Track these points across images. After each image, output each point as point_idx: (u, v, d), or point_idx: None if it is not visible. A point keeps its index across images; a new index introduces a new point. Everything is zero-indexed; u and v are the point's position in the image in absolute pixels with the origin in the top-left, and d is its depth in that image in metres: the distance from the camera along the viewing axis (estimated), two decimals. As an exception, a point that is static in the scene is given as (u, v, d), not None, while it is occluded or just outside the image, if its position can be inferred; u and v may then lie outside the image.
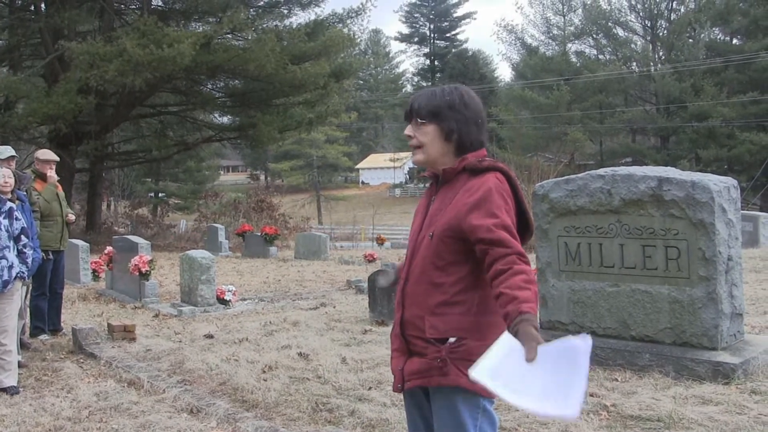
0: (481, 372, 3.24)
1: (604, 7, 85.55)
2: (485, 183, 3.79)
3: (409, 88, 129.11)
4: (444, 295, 3.83)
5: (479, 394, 3.79)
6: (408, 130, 4.07)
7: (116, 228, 43.89)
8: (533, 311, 3.41)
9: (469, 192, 3.81)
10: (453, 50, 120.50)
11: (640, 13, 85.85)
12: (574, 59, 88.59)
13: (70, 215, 12.68)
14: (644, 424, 6.49)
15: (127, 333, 11.43)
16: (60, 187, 12.63)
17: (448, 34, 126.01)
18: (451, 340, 3.78)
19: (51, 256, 12.06)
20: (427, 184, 4.24)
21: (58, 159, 12.70)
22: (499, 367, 3.25)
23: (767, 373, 7.85)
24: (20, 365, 9.63)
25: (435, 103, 3.98)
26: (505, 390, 3.19)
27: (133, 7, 39.35)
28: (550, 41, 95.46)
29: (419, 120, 4.00)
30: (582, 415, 6.75)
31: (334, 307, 14.51)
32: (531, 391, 3.18)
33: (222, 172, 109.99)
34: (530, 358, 3.23)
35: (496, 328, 3.71)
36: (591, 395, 7.39)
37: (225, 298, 15.08)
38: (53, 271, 12.28)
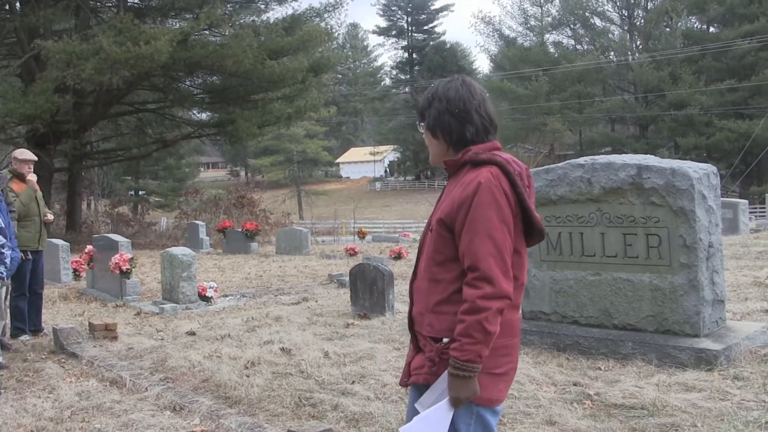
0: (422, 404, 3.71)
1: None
2: (477, 177, 3.65)
3: (387, 81, 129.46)
4: (443, 293, 3.75)
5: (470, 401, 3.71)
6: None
7: (97, 227, 43.68)
8: (456, 351, 3.53)
9: (463, 186, 3.68)
10: (431, 43, 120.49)
11: (617, 3, 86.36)
12: (551, 50, 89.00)
13: (48, 215, 12.59)
14: (628, 412, 6.49)
15: (108, 332, 11.38)
16: (38, 187, 12.56)
17: (425, 27, 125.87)
18: (445, 340, 3.68)
19: (30, 256, 11.97)
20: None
21: (36, 158, 12.62)
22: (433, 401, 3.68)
23: (749, 359, 7.86)
24: (1, 366, 9.58)
25: (422, 103, 3.96)
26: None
27: (109, 4, 39.20)
28: (528, 32, 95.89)
29: (418, 122, 3.99)
30: (566, 405, 6.76)
31: (316, 301, 14.50)
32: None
33: (202, 169, 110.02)
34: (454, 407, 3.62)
35: None
36: (574, 384, 7.40)
37: (206, 294, 15.03)
38: (32, 271, 12.19)
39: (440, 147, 3.90)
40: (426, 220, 4.08)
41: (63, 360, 10.37)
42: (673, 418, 6.23)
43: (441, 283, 3.75)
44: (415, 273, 3.98)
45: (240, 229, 31.49)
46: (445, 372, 3.62)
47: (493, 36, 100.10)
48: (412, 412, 3.93)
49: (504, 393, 3.83)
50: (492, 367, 3.67)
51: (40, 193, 12.51)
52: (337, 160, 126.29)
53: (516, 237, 3.70)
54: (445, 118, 3.83)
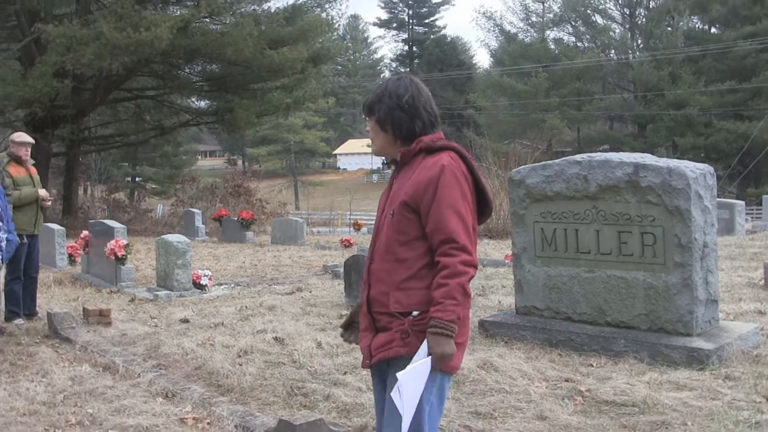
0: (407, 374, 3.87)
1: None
2: (439, 160, 3.97)
3: (387, 74, 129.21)
4: (409, 270, 3.99)
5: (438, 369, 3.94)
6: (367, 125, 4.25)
7: (93, 212, 43.65)
8: (440, 312, 3.80)
9: (426, 169, 3.96)
10: (431, 36, 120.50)
11: (619, 1, 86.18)
12: (552, 46, 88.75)
13: (46, 200, 12.54)
14: (619, 410, 6.52)
15: (102, 317, 11.38)
16: (34, 171, 12.53)
17: (426, 20, 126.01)
18: (415, 313, 3.93)
19: (25, 240, 11.96)
20: (392, 169, 4.38)
21: (33, 141, 12.58)
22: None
23: (741, 359, 7.89)
24: (-5, 350, 9.60)
25: (370, 99, 4.21)
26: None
27: (111, -10, 39.16)
28: (529, 28, 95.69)
29: (364, 116, 4.23)
30: (557, 400, 6.78)
31: (310, 291, 14.49)
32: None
33: (199, 157, 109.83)
34: (434, 368, 3.86)
35: None
36: (566, 380, 7.43)
37: (201, 282, 15.04)
38: (27, 255, 12.16)
39: (386, 139, 4.20)
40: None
41: (57, 344, 10.38)
42: (663, 416, 6.26)
43: (406, 261, 4.01)
44: (371, 257, 4.20)
45: (236, 218, 31.42)
46: (424, 344, 3.87)
47: (493, 31, 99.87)
48: (380, 394, 4.25)
49: (461, 361, 4.15)
50: (455, 336, 3.91)
51: (36, 177, 12.49)
52: (335, 152, 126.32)
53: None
54: (395, 113, 4.12)
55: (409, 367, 3.83)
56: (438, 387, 4.01)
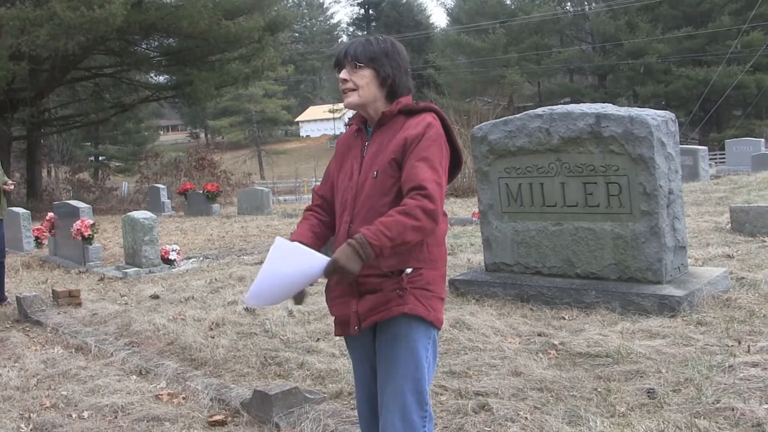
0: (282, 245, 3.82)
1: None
2: (424, 119, 3.93)
3: (344, 38, 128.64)
4: None
5: (433, 325, 3.97)
6: (343, 74, 4.08)
7: (58, 194, 43.41)
8: (369, 232, 3.63)
9: (411, 128, 3.92)
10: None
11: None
12: (508, 2, 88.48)
13: (8, 184, 12.44)
14: (593, 361, 6.54)
15: (72, 298, 11.33)
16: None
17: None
18: (408, 270, 3.87)
19: (-11, 226, 11.88)
20: (348, 130, 4.33)
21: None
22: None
23: (712, 304, 7.93)
24: (-36, 337, 9.54)
25: (372, 50, 4.07)
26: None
27: (62, -32, 38.79)
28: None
29: (358, 64, 4.04)
30: (531, 355, 6.80)
31: (280, 261, 14.44)
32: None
33: (161, 132, 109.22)
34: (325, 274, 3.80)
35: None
36: (539, 335, 7.45)
37: (169, 257, 14.99)
38: (-7, 240, 12.11)
39: (379, 93, 4.09)
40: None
41: (27, 328, 10.35)
42: (637, 365, 6.28)
43: None
44: (351, 220, 4.04)
45: (201, 191, 31.36)
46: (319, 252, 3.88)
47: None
48: (361, 361, 4.24)
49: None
50: (441, 291, 4.04)
51: (-3, 162, 12.39)
52: (297, 119, 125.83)
53: None
54: (402, 73, 4.09)
55: (301, 248, 3.82)
56: (432, 343, 4.01)
